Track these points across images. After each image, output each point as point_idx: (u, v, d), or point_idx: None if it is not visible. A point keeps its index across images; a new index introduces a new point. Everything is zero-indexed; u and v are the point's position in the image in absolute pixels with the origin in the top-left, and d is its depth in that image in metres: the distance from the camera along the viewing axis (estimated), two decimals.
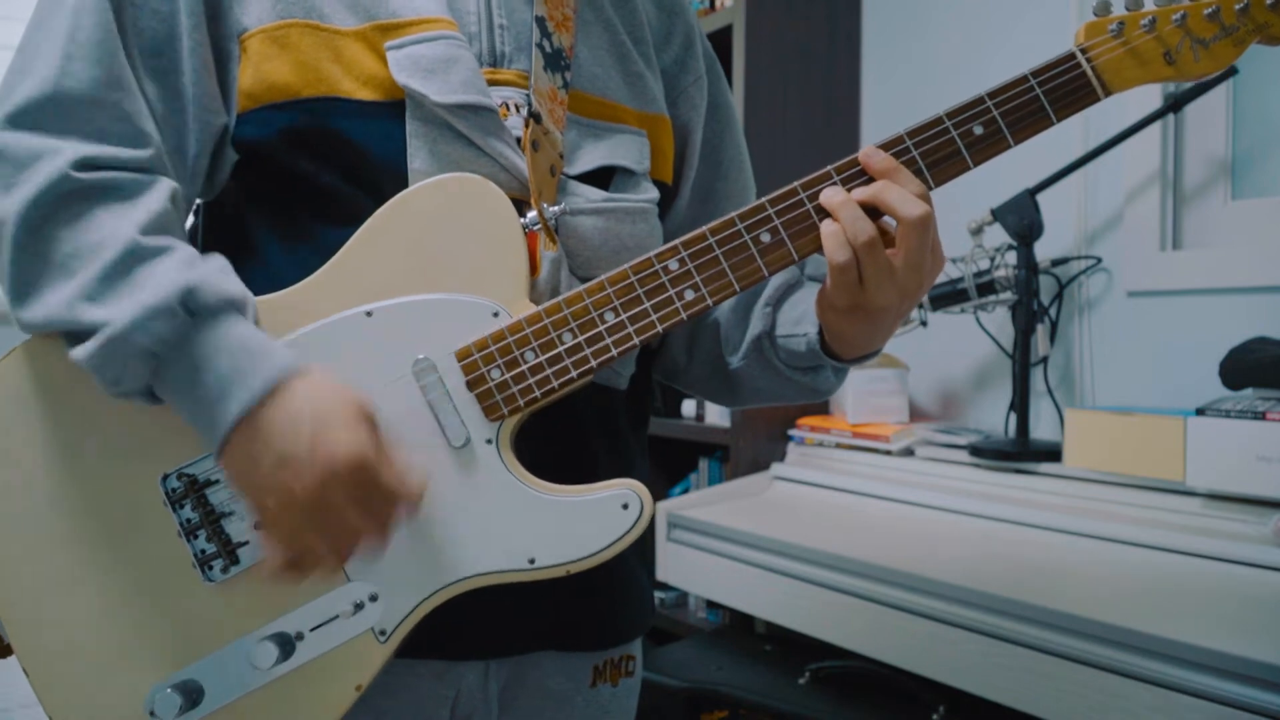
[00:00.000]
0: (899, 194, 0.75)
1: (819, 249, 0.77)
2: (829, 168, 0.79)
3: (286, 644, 0.75)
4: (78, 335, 0.71)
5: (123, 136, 0.75)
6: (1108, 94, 0.80)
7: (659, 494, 2.23)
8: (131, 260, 0.71)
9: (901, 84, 2.12)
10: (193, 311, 0.70)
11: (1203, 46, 0.80)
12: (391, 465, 0.70)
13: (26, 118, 0.73)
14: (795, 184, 0.79)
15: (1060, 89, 0.79)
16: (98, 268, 0.70)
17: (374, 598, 0.76)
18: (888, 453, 1.83)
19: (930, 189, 0.78)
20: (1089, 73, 0.79)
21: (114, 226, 0.72)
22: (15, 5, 1.91)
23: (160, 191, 0.75)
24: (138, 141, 0.76)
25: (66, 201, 0.72)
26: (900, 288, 0.77)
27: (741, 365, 0.93)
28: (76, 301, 0.70)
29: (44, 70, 0.74)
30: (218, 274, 0.73)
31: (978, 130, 0.79)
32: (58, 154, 0.72)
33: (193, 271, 0.71)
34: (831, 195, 0.77)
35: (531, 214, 0.79)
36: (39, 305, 0.71)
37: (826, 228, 0.76)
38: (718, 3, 2.23)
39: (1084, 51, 0.80)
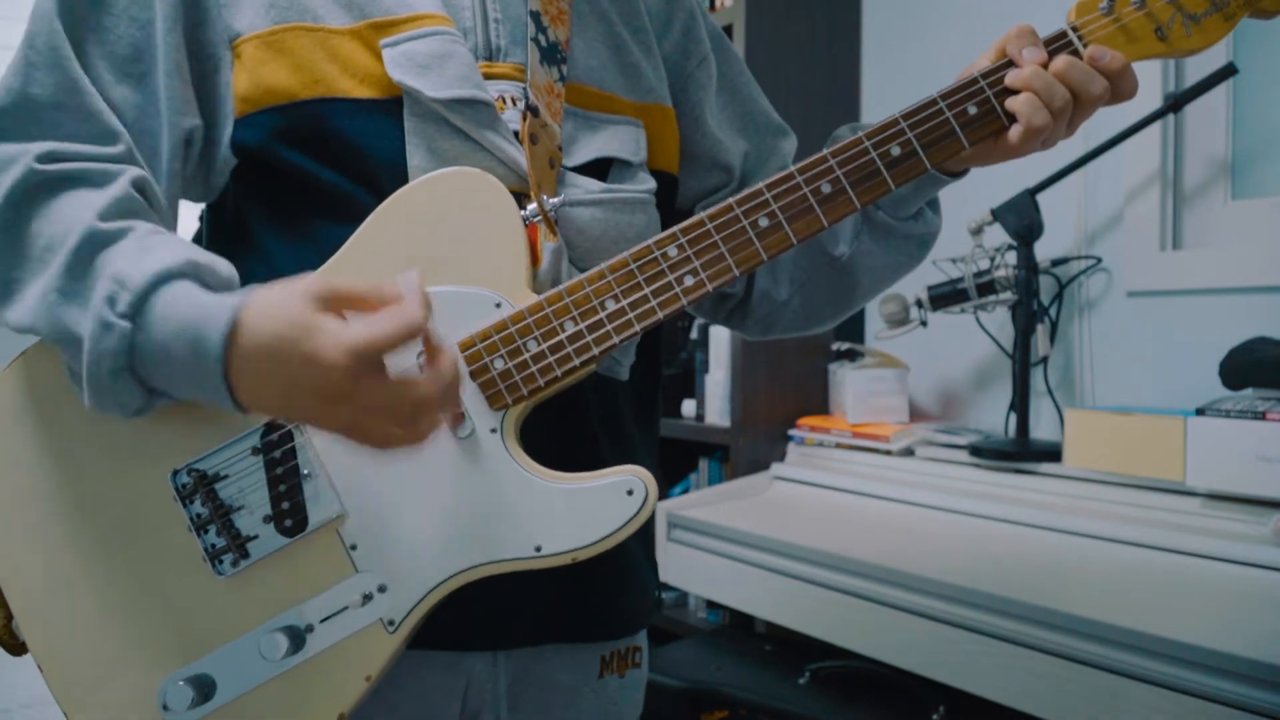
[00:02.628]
0: (1085, 73, 0.79)
1: (816, 231, 0.79)
2: (825, 151, 0.81)
3: (297, 636, 0.76)
4: (61, 339, 0.71)
5: (90, 136, 0.76)
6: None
7: (659, 494, 2.23)
8: (92, 247, 0.70)
9: (901, 84, 2.12)
10: (128, 313, 0.68)
11: (1194, 22, 0.80)
12: (380, 323, 0.64)
13: None
14: (792, 168, 0.80)
15: None
16: (62, 259, 0.70)
17: (382, 589, 0.76)
18: (888, 453, 1.83)
19: (928, 169, 0.80)
20: (1081, 50, 0.80)
21: (77, 215, 0.72)
22: (15, 6, 1.91)
23: (123, 179, 0.75)
24: (106, 139, 0.76)
25: (35, 194, 0.72)
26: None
27: (854, 247, 0.93)
28: (49, 295, 0.70)
29: (9, 79, 0.75)
30: (134, 256, 0.70)
31: (972, 110, 0.80)
32: (25, 154, 0.73)
33: (122, 264, 0.69)
34: (1017, 73, 0.80)
35: (531, 206, 0.80)
36: (22, 305, 0.72)
37: (1021, 99, 0.79)
38: (718, 3, 2.23)
39: (1076, 29, 0.81)
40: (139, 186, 0.76)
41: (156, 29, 0.78)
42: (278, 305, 0.66)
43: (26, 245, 0.72)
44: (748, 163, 1.01)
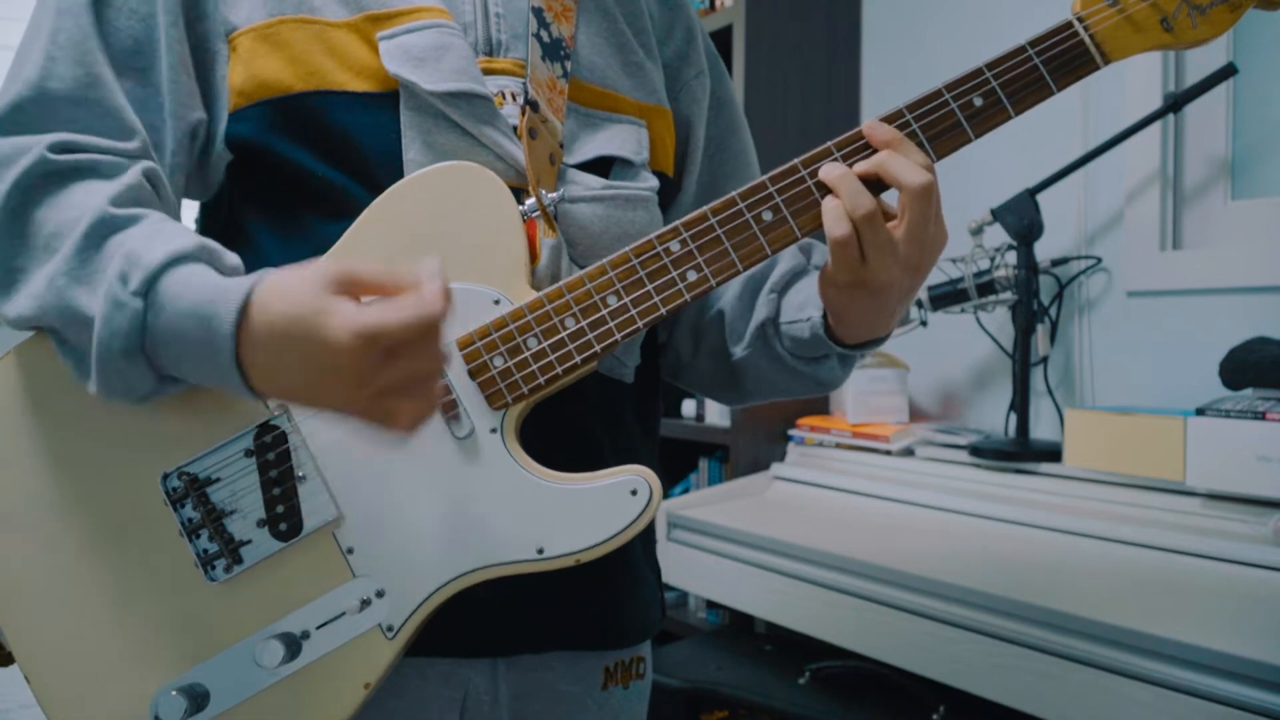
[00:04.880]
0: (901, 163, 0.75)
1: (820, 225, 0.77)
2: (829, 143, 0.78)
3: (293, 643, 0.74)
4: (70, 323, 0.70)
5: (106, 130, 0.76)
6: (1107, 62, 0.79)
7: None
8: (104, 231, 0.70)
9: (901, 84, 2.12)
10: (140, 290, 0.68)
11: (1200, 13, 0.79)
12: (395, 309, 0.61)
13: (10, 122, 0.74)
14: (796, 161, 0.78)
15: (1059, 57, 0.78)
16: (72, 243, 0.70)
17: (380, 593, 0.74)
18: (888, 453, 1.83)
19: (933, 161, 0.78)
20: (1086, 41, 0.79)
21: (87, 202, 0.71)
22: (15, 5, 1.91)
23: (135, 169, 0.75)
24: (122, 135, 0.76)
25: (44, 183, 0.72)
26: (903, 262, 0.76)
27: (746, 355, 0.93)
28: (57, 279, 0.69)
29: (28, 74, 0.75)
30: (146, 238, 0.70)
31: (978, 101, 0.78)
32: (38, 144, 0.73)
33: (135, 244, 0.69)
34: (830, 169, 0.76)
35: (530, 201, 0.79)
36: (25, 294, 0.71)
37: (827, 203, 0.76)
38: (718, 3, 2.23)
39: (1081, 20, 0.80)
40: (150, 177, 0.76)
41: (158, 23, 0.78)
42: (291, 287, 0.65)
43: (32, 233, 0.71)
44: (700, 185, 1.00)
